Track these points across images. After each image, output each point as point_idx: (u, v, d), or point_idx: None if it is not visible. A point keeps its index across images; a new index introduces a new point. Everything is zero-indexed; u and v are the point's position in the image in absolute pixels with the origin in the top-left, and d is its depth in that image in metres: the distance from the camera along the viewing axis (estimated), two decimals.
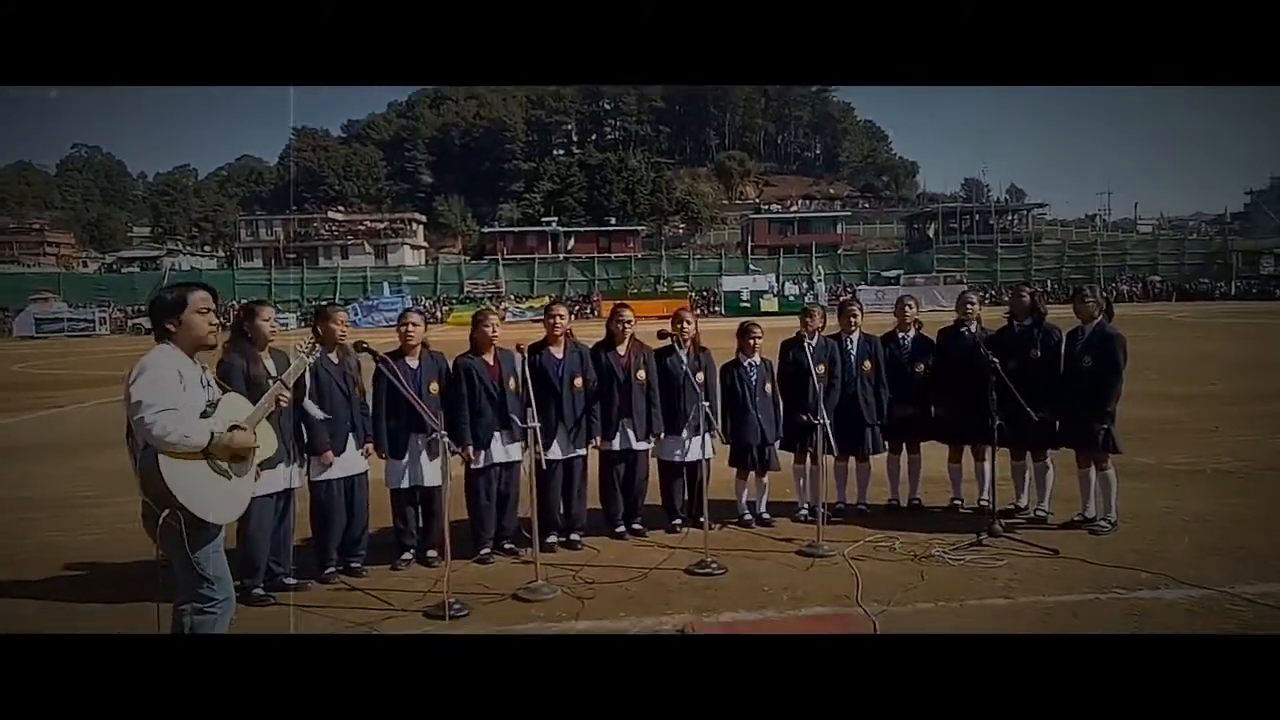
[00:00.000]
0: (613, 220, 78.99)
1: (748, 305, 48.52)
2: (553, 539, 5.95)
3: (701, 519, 5.64)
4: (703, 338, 6.45)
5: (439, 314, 51.40)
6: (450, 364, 5.83)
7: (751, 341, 6.43)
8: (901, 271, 61.62)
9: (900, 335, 6.78)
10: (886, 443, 6.71)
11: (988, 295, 42.38)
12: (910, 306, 6.86)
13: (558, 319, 6.03)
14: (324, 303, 6.18)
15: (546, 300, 6.58)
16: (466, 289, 62.49)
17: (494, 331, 5.84)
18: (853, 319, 6.69)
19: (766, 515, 6.51)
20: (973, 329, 6.51)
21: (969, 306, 6.65)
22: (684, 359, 6.02)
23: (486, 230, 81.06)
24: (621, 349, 6.17)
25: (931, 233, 74.12)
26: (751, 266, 64.79)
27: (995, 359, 5.87)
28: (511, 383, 5.77)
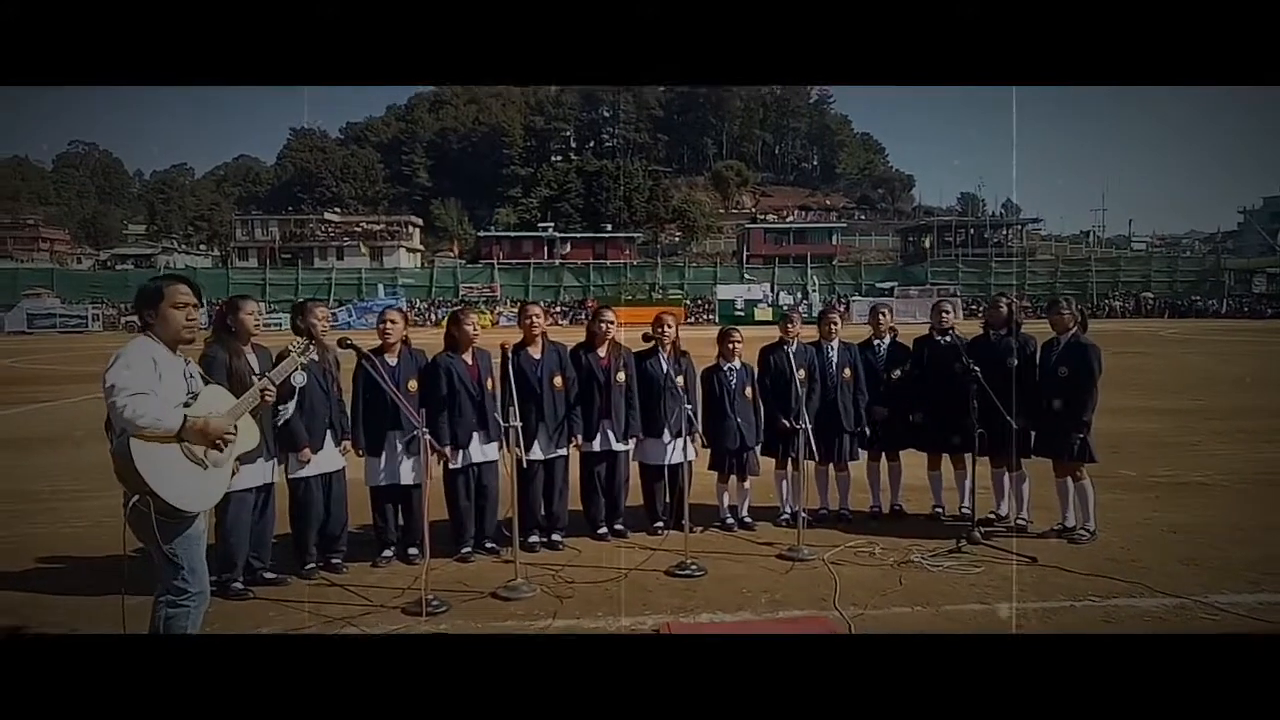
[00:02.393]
0: (609, 227, 79.18)
1: (742, 314, 48.66)
2: (534, 539, 5.97)
3: (683, 521, 5.67)
4: (696, 344, 6.49)
5: (434, 317, 51.41)
6: (429, 362, 5.85)
7: (731, 346, 6.46)
8: (896, 284, 61.85)
9: (875, 342, 6.84)
10: (865, 450, 6.76)
11: (979, 308, 42.47)
12: (884, 315, 6.92)
13: (534, 319, 6.04)
14: (304, 299, 6.18)
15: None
16: (462, 292, 62.50)
17: (474, 330, 5.85)
18: (833, 326, 6.73)
19: (748, 519, 6.53)
20: (949, 337, 6.55)
21: (944, 315, 6.69)
22: (664, 362, 6.06)
23: (483, 234, 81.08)
24: (602, 350, 6.20)
25: (927, 246, 74.37)
26: (746, 276, 64.95)
27: (976, 368, 5.92)
28: (489, 382, 5.79)
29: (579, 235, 77.62)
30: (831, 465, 6.69)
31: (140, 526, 3.30)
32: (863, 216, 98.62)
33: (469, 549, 5.79)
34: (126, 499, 3.30)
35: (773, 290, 58.11)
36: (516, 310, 6.49)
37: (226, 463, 3.57)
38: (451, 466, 5.72)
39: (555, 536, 6.05)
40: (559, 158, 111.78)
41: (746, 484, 6.56)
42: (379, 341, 5.73)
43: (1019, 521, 6.34)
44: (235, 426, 3.58)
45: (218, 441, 3.44)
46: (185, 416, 3.32)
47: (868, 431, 6.67)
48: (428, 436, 4.99)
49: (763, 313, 49.10)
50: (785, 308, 47.92)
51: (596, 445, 6.15)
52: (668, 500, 6.26)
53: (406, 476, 5.61)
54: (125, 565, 3.32)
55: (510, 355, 5.66)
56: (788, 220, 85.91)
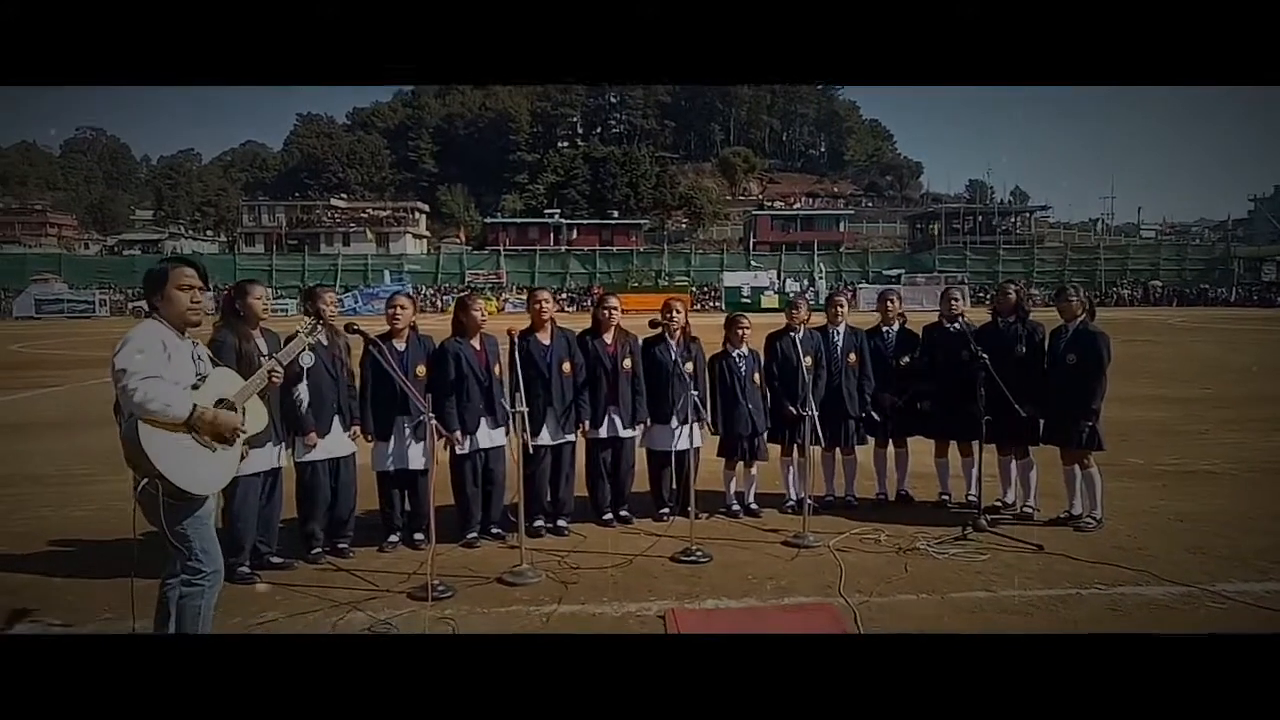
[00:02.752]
0: (615, 214, 79.05)
1: (749, 301, 48.59)
2: (540, 524, 5.98)
3: (689, 508, 5.67)
4: (701, 331, 6.48)
5: (440, 303, 51.47)
6: (436, 347, 5.85)
7: (740, 332, 6.45)
8: (903, 271, 61.71)
9: (884, 329, 6.82)
10: (871, 436, 6.75)
11: (987, 296, 42.40)
12: (893, 301, 6.90)
13: (543, 304, 6.05)
14: (314, 284, 6.19)
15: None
16: (468, 279, 62.49)
17: (482, 316, 5.85)
18: (839, 310, 6.72)
19: (754, 506, 6.53)
20: (958, 325, 6.52)
21: (953, 303, 6.67)
22: (672, 348, 6.05)
23: (489, 221, 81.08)
24: (608, 337, 6.19)
25: (934, 233, 74.12)
26: (753, 263, 64.85)
27: (984, 355, 5.89)
28: (497, 368, 5.79)
29: (585, 222, 77.48)
30: (838, 450, 6.69)
31: (149, 509, 3.32)
32: (870, 203, 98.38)
33: (475, 534, 5.80)
34: (136, 482, 3.32)
35: (779, 277, 57.99)
36: (526, 296, 6.50)
37: (235, 445, 3.58)
38: (459, 451, 5.72)
39: (560, 522, 6.06)
40: (565, 144, 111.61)
41: (753, 470, 6.56)
42: (387, 327, 5.74)
43: (1025, 509, 6.33)
44: (244, 411, 3.60)
45: (227, 436, 3.46)
46: (194, 408, 3.32)
47: (875, 418, 6.65)
48: (434, 421, 5.00)
49: (769, 300, 48.99)
50: (792, 294, 47.87)
51: (603, 432, 6.15)
52: (674, 487, 6.26)
53: (415, 461, 5.62)
54: (136, 548, 3.33)
55: (518, 341, 5.66)
56: (795, 207, 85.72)
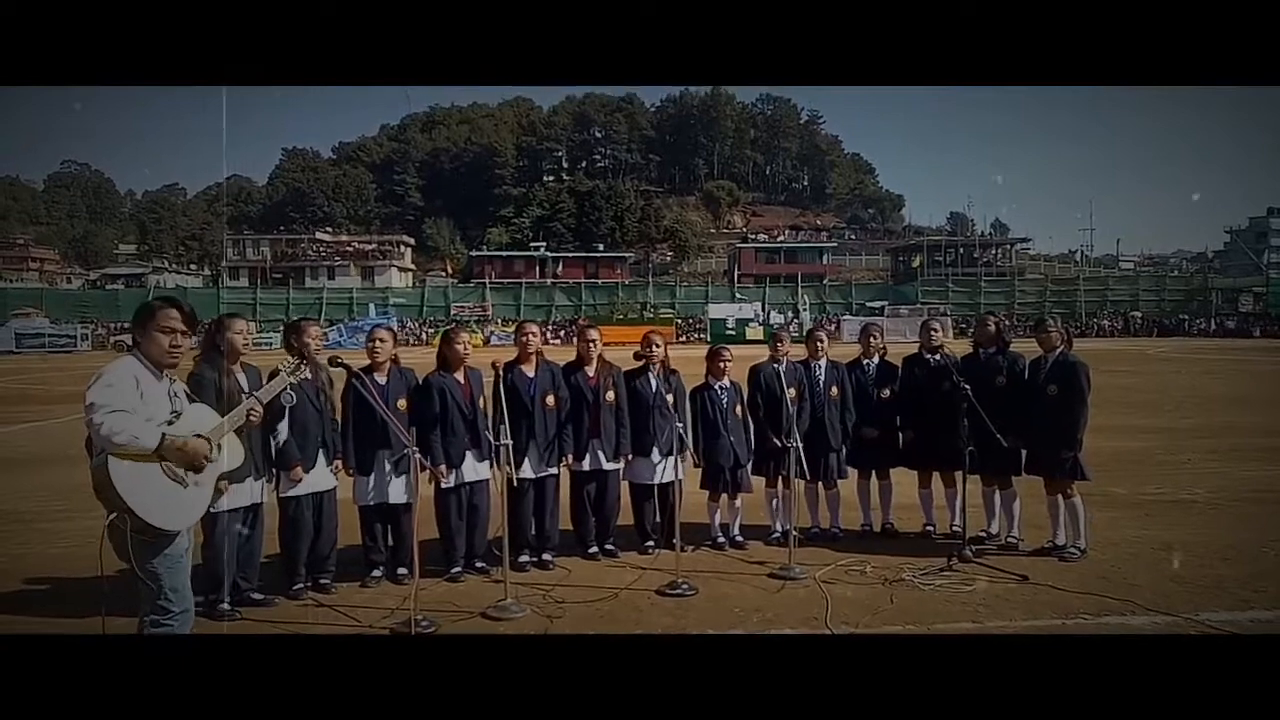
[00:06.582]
0: (600, 247, 79.43)
1: (733, 333, 48.74)
2: (524, 558, 5.93)
3: (674, 540, 5.64)
4: (686, 363, 6.49)
5: (424, 336, 51.36)
6: (420, 381, 5.84)
7: (721, 365, 6.48)
8: (886, 302, 62.09)
9: (865, 362, 6.87)
10: (855, 468, 6.77)
11: (968, 328, 42.67)
12: (875, 335, 6.96)
13: (529, 337, 6.06)
14: (298, 318, 6.16)
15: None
16: (453, 312, 62.42)
17: (465, 349, 5.84)
18: (819, 345, 6.77)
19: (739, 538, 6.51)
20: (939, 356, 6.55)
21: (932, 334, 6.72)
22: (653, 381, 6.06)
23: (474, 254, 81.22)
24: (590, 369, 6.20)
25: (916, 265, 74.81)
26: (738, 295, 65.10)
27: (967, 385, 5.93)
28: (481, 401, 5.78)
29: (571, 255, 77.80)
30: (821, 483, 6.69)
31: (118, 544, 3.28)
32: (853, 236, 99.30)
33: (459, 568, 5.75)
34: (106, 517, 3.28)
35: (764, 309, 58.27)
36: (514, 328, 6.49)
37: (207, 481, 3.54)
38: (444, 485, 5.69)
39: (545, 556, 6.02)
40: (551, 178, 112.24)
41: (738, 502, 6.55)
42: (368, 360, 5.72)
43: (1010, 539, 6.34)
44: (219, 447, 3.57)
45: (198, 462, 3.42)
46: (164, 435, 3.30)
47: (844, 449, 6.68)
48: (418, 455, 4.97)
49: (754, 331, 49.17)
50: (774, 326, 48.07)
51: (586, 464, 6.13)
52: (658, 519, 6.24)
53: (396, 495, 5.58)
54: (104, 584, 3.27)
55: (503, 373, 5.65)
56: (778, 240, 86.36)
